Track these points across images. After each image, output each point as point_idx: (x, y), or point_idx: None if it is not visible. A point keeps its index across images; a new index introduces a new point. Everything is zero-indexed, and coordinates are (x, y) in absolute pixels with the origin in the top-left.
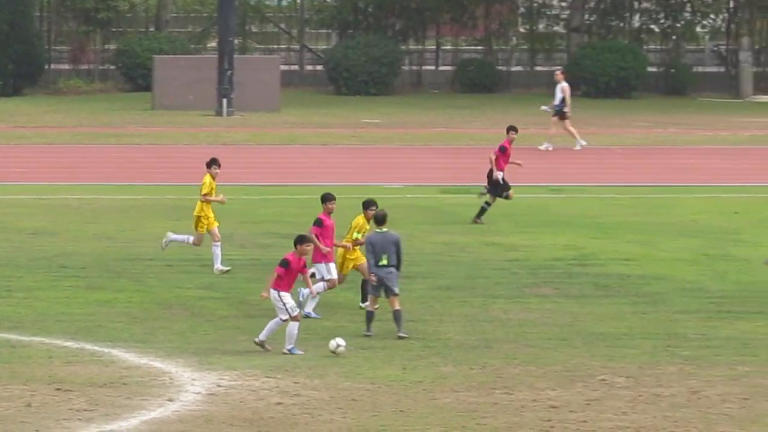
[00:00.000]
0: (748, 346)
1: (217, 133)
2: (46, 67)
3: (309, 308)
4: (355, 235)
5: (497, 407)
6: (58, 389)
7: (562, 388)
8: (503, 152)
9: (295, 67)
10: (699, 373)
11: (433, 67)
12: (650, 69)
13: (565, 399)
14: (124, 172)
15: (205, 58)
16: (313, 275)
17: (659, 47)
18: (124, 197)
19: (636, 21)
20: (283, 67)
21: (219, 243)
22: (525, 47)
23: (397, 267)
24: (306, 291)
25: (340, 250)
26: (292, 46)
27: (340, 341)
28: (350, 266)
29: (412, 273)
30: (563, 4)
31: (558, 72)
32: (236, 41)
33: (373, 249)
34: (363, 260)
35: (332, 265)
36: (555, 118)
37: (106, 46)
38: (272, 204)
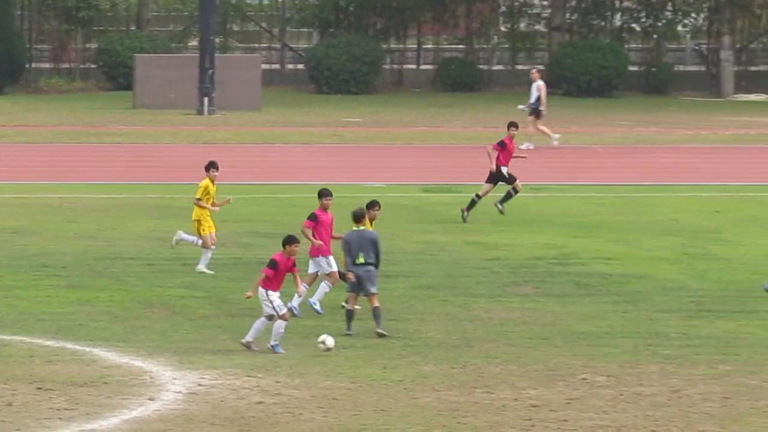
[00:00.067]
0: (728, 345)
1: (199, 132)
2: (27, 65)
3: (317, 306)
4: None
5: (478, 406)
6: (39, 388)
7: (543, 387)
8: (503, 147)
9: (276, 66)
10: (680, 372)
11: (414, 66)
12: (631, 68)
13: (546, 398)
14: (105, 171)
15: (186, 56)
16: (316, 273)
17: (640, 46)
18: (105, 196)
19: (617, 20)
20: (264, 66)
21: (213, 247)
22: (506, 46)
23: (376, 265)
24: (295, 303)
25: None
26: (273, 45)
27: (329, 343)
28: None
29: (394, 272)
30: (544, 3)
31: (534, 71)
32: (217, 40)
33: (349, 247)
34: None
35: (332, 258)
36: (531, 117)
37: (87, 45)
38: (253, 203)
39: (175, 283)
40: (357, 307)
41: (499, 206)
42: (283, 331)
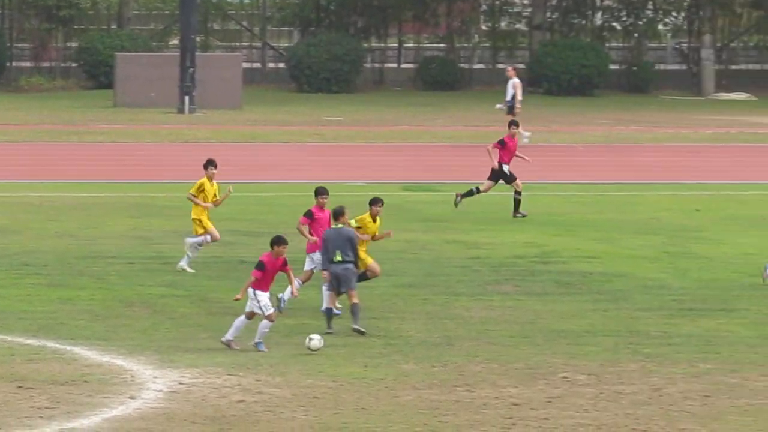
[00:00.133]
0: (709, 344)
1: (179, 131)
2: (8, 64)
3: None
4: (353, 223)
5: (459, 405)
6: (20, 387)
7: (524, 386)
8: (503, 146)
9: (257, 65)
10: (660, 371)
11: (395, 65)
12: (612, 67)
13: (526, 396)
14: (86, 170)
15: (167, 55)
16: (312, 271)
17: (621, 45)
18: (86, 195)
19: (598, 19)
20: (245, 65)
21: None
22: (487, 45)
23: (355, 263)
24: (286, 295)
25: None
26: (254, 44)
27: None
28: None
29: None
30: (525, 1)
31: (509, 68)
32: (198, 39)
33: (326, 245)
34: (370, 260)
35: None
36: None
37: (68, 44)
38: (234, 201)
39: (155, 282)
40: (339, 306)
41: (518, 215)
42: (267, 330)
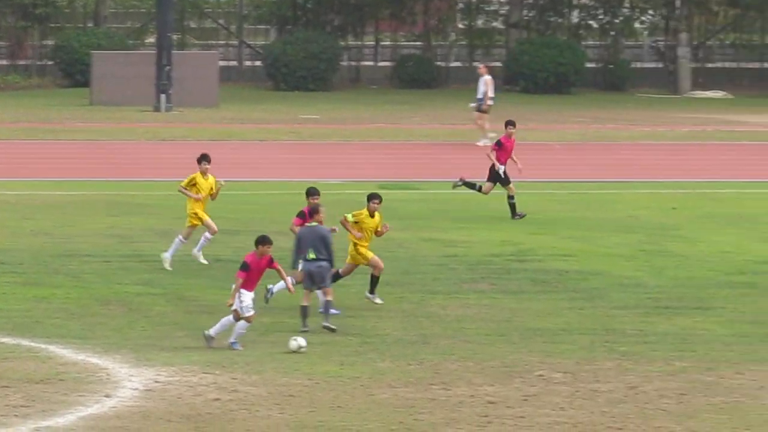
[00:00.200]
0: (685, 342)
1: (156, 129)
2: None
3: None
4: (349, 217)
5: (435, 403)
6: None
7: (500, 384)
8: (500, 147)
9: (234, 63)
10: (636, 369)
11: (371, 63)
12: (589, 65)
13: (502, 394)
14: (62, 168)
15: (144, 53)
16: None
17: (598, 43)
18: (61, 193)
19: (575, 17)
20: (221, 63)
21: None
22: (464, 43)
23: (329, 261)
24: (276, 288)
25: (350, 245)
26: (230, 42)
27: (302, 342)
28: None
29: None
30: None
31: (481, 66)
32: (174, 37)
33: (300, 243)
34: (370, 254)
35: None
36: (486, 115)
37: (44, 42)
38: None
39: (131, 280)
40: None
41: (517, 217)
42: (244, 331)
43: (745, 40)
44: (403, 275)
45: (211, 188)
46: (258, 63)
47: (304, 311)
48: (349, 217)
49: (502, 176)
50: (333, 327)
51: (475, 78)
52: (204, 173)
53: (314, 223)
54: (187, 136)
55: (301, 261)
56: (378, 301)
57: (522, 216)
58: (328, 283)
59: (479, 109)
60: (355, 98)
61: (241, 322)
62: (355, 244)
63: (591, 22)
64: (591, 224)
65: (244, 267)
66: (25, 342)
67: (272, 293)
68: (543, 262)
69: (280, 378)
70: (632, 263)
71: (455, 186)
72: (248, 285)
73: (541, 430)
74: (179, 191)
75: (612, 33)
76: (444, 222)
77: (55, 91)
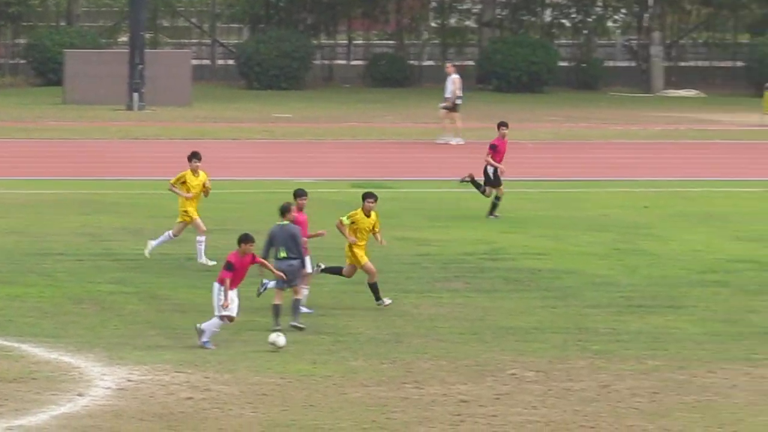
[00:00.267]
0: (657, 340)
1: (128, 128)
2: None
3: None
4: (344, 220)
5: (407, 402)
6: None
7: (473, 383)
8: (494, 150)
9: (207, 62)
10: (609, 367)
11: (344, 62)
12: (561, 63)
13: (475, 393)
14: (34, 167)
15: (116, 52)
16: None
17: (571, 42)
18: (34, 192)
19: (547, 16)
20: (194, 62)
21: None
22: (436, 42)
23: (300, 260)
24: (270, 284)
25: (346, 246)
26: (203, 41)
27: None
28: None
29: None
30: None
31: (449, 65)
32: (147, 36)
33: (271, 241)
34: (365, 259)
35: (307, 259)
36: (456, 114)
37: (17, 41)
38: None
39: (104, 279)
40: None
41: (492, 217)
42: (216, 330)
43: (718, 39)
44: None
45: (204, 185)
46: (231, 62)
47: (276, 310)
48: (345, 220)
49: (491, 177)
50: (302, 326)
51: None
52: (194, 171)
53: (285, 222)
54: (160, 134)
55: (272, 260)
56: (387, 301)
57: (496, 217)
58: (298, 282)
59: (447, 108)
60: (327, 97)
61: (214, 320)
62: (350, 245)
63: (564, 20)
64: (563, 223)
65: (229, 267)
66: None
67: (266, 287)
68: (516, 261)
69: (252, 377)
70: (605, 262)
71: (462, 181)
72: (232, 284)
73: (514, 428)
74: (169, 190)
75: (585, 32)
76: (417, 221)
77: (27, 90)
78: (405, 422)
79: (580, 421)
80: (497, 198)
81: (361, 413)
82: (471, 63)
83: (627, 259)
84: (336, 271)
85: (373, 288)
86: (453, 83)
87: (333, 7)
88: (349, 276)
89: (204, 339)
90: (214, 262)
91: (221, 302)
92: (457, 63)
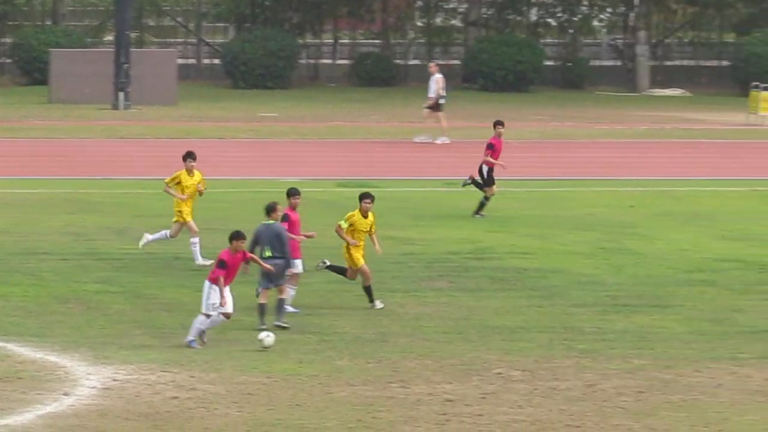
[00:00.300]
0: (643, 340)
1: (114, 127)
2: None
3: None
4: (343, 224)
5: (393, 401)
6: None
7: (458, 382)
8: (491, 149)
9: (192, 61)
10: (595, 367)
11: (330, 61)
12: (547, 63)
13: (461, 392)
14: (19, 166)
15: (102, 51)
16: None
17: (556, 41)
18: (19, 191)
19: (533, 15)
20: (180, 61)
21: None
22: (422, 41)
23: (285, 259)
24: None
25: (343, 247)
26: (189, 40)
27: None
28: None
29: (309, 266)
30: None
31: (432, 64)
32: (133, 35)
33: (256, 240)
34: (361, 261)
35: (299, 261)
36: (441, 113)
37: (2, 40)
38: (167, 198)
39: (90, 278)
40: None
41: (477, 216)
42: (202, 327)
43: (704, 38)
44: None
45: (199, 183)
46: (216, 61)
47: (262, 309)
48: (343, 224)
49: (485, 176)
50: (286, 325)
51: None
52: (189, 171)
53: (270, 221)
54: (146, 134)
55: None
56: (379, 305)
57: (482, 216)
58: (283, 282)
59: (431, 107)
60: (313, 96)
61: (200, 317)
62: (347, 247)
63: (549, 20)
64: (549, 222)
65: (222, 264)
66: None
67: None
68: (501, 260)
69: (238, 376)
70: (590, 261)
71: (465, 185)
72: (224, 281)
73: (500, 427)
74: (165, 191)
75: (570, 31)
76: (402, 220)
77: (13, 89)
78: (391, 421)
79: (566, 421)
80: (486, 198)
81: (347, 412)
82: (457, 62)
83: (613, 258)
84: (340, 271)
85: (368, 291)
86: (436, 83)
87: (319, 6)
88: (352, 278)
89: (190, 338)
90: (212, 261)
91: (216, 300)
92: (442, 62)
